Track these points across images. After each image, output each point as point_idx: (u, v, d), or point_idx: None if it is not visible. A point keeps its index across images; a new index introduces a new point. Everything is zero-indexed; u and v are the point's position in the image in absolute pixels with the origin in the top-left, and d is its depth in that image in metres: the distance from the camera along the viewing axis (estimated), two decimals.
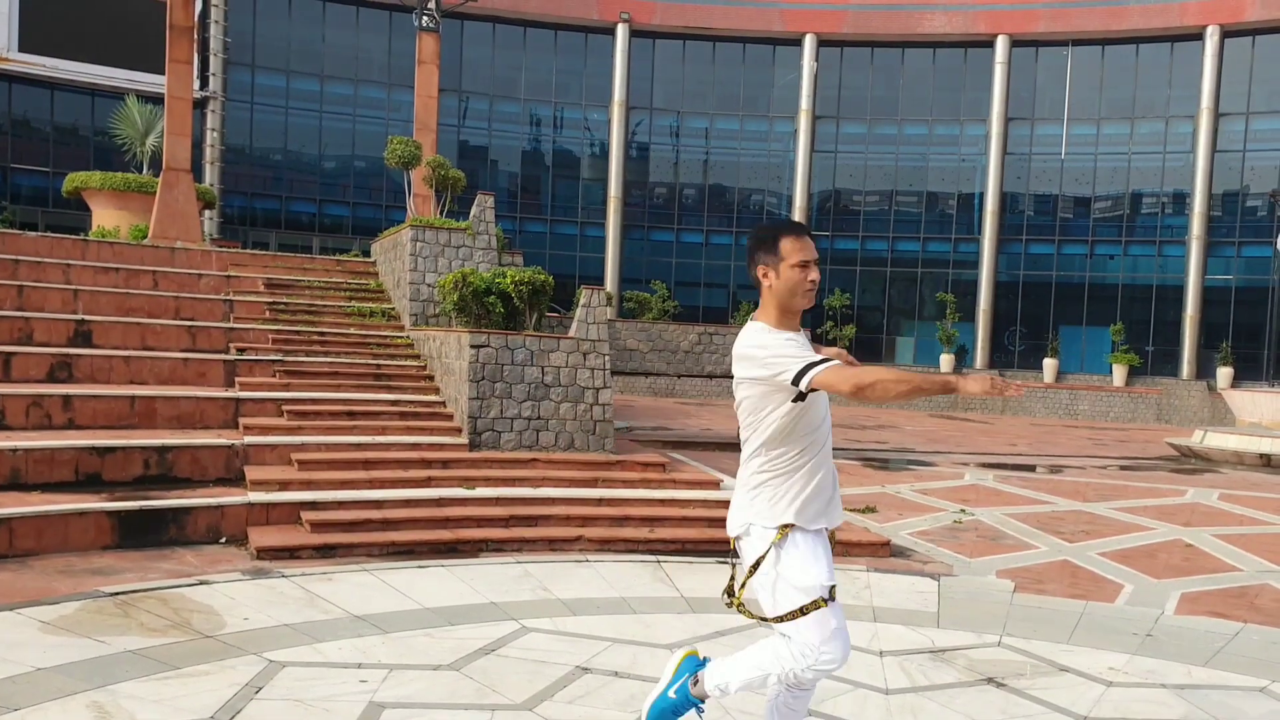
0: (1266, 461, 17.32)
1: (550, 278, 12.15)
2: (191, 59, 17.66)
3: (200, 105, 31.01)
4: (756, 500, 3.43)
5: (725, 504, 9.56)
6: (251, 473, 8.72)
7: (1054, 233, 35.17)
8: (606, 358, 10.93)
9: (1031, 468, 15.45)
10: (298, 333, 12.57)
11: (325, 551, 7.57)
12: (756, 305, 3.50)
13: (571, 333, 10.96)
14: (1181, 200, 33.82)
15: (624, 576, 7.23)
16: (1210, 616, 6.83)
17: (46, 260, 12.82)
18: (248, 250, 17.78)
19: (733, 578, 3.49)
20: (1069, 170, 35.02)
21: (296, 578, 6.70)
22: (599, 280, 34.24)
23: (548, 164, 37.68)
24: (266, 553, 7.40)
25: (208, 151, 32.26)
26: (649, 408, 21.48)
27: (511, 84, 36.37)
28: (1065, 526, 10.13)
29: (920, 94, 35.92)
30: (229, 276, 14.10)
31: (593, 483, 9.73)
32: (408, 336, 13.12)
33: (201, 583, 6.46)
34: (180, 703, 4.44)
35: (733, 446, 15.51)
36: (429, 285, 13.46)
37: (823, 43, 35.50)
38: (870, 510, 10.30)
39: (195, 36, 19.69)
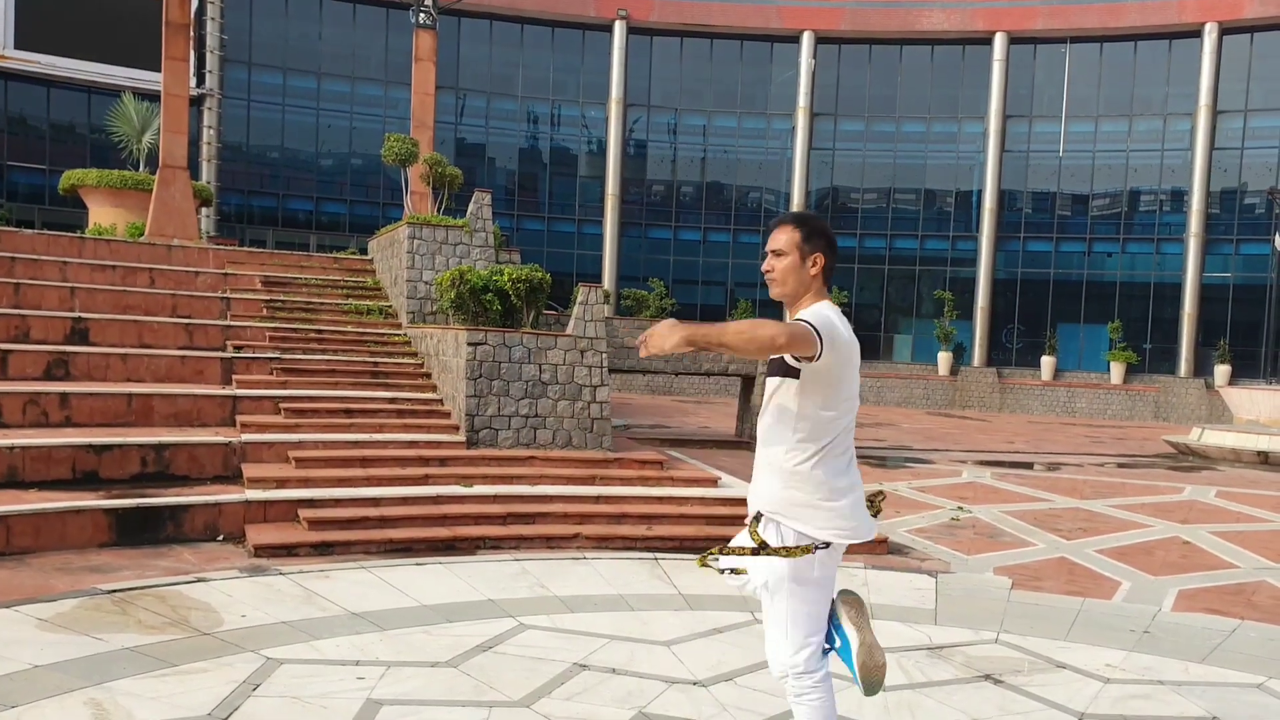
0: (1264, 459, 17.34)
1: (548, 275, 12.14)
2: (188, 56, 17.63)
3: (197, 103, 30.97)
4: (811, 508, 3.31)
5: (723, 502, 9.61)
6: (249, 470, 8.71)
7: (1052, 230, 35.18)
8: (604, 355, 10.93)
9: (1029, 465, 15.46)
10: (295, 330, 12.55)
11: (323, 549, 7.57)
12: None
13: (569, 330, 10.95)
14: (1179, 198, 33.83)
15: (621, 574, 7.23)
16: (1207, 613, 6.84)
17: (43, 258, 12.80)
18: (245, 248, 17.74)
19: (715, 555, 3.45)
20: (1067, 168, 35.02)
21: (294, 575, 6.69)
22: (596, 278, 34.22)
23: (545, 161, 37.64)
24: (264, 550, 7.39)
25: (204, 149, 32.21)
26: (647, 405, 21.49)
27: (509, 81, 36.33)
28: (1063, 524, 10.14)
29: (918, 91, 35.91)
30: (226, 274, 14.08)
31: (590, 480, 9.73)
32: (405, 334, 13.10)
33: (199, 580, 6.46)
34: (178, 700, 4.43)
35: (730, 444, 15.52)
36: (426, 283, 13.44)
37: (821, 40, 35.48)
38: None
39: (192, 34, 19.66)
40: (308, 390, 10.76)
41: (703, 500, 9.44)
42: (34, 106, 32.04)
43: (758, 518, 3.30)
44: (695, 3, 35.52)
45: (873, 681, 3.34)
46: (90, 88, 31.17)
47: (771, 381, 3.25)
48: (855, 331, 3.28)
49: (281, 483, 8.51)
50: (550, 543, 8.24)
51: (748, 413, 16.07)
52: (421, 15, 20.69)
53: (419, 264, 13.48)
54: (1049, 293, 35.00)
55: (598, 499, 9.19)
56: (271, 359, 11.39)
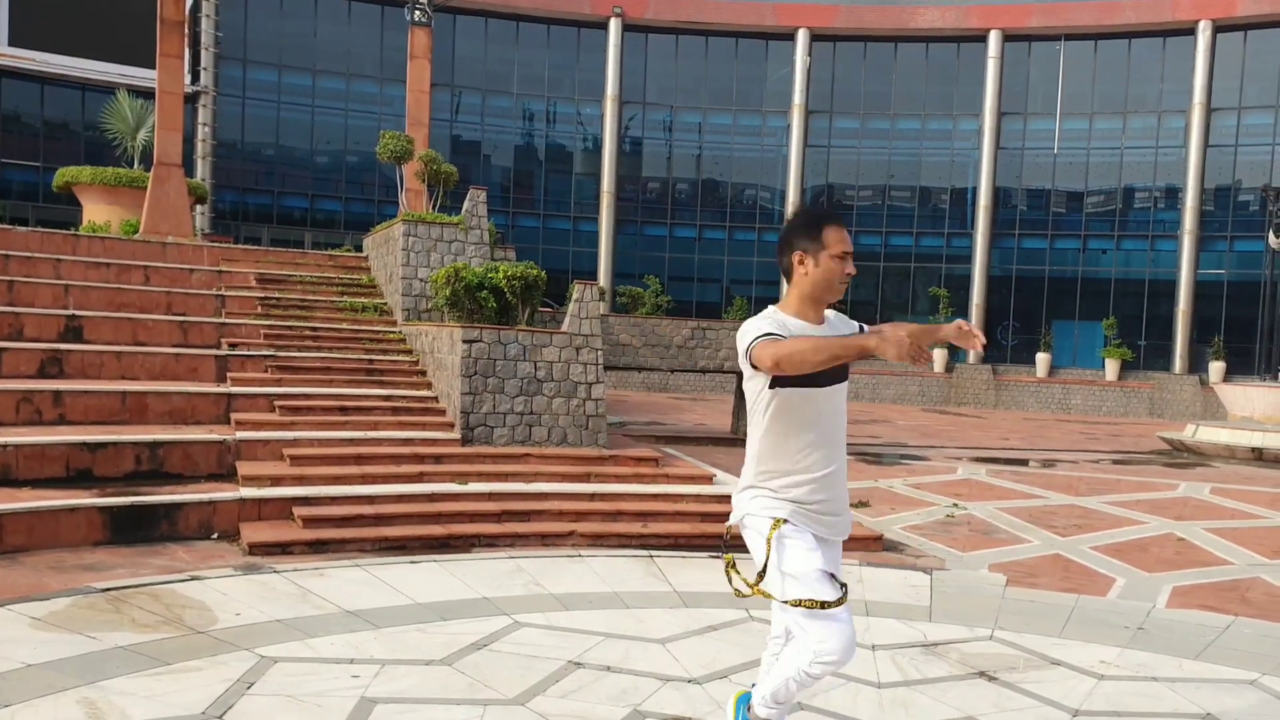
0: (1258, 455, 17.38)
1: (543, 273, 12.13)
2: (183, 53, 17.59)
3: (192, 100, 30.90)
4: (754, 493, 3.40)
5: (718, 499, 9.59)
6: (243, 468, 8.70)
7: (1047, 227, 35.23)
8: (599, 353, 10.92)
9: (1024, 462, 15.48)
10: (290, 328, 12.54)
11: (317, 547, 7.56)
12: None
13: (564, 328, 10.95)
14: (1174, 195, 33.89)
15: (617, 571, 7.23)
16: (1202, 610, 6.85)
17: (37, 255, 12.77)
18: (239, 245, 17.73)
19: (731, 568, 3.42)
20: (1061, 165, 35.07)
21: (289, 573, 6.68)
22: (592, 275, 34.21)
23: (540, 159, 37.62)
24: (259, 548, 7.38)
25: (199, 146, 32.14)
26: (642, 403, 21.48)
27: (504, 79, 36.29)
28: (1057, 520, 10.15)
29: (913, 89, 35.93)
30: (221, 272, 14.05)
31: (585, 478, 9.73)
32: (400, 331, 13.09)
33: (193, 578, 6.45)
34: (172, 699, 4.42)
35: (726, 441, 15.52)
36: (421, 280, 13.43)
37: (815, 37, 35.49)
38: (863, 505, 10.31)
39: (186, 31, 19.59)
40: (302, 388, 10.75)
41: (698, 498, 9.44)
42: (28, 103, 31.97)
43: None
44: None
45: None
46: (85, 85, 31.11)
47: (841, 388, 3.35)
48: None
49: (276, 480, 8.49)
50: (545, 540, 8.24)
51: (743, 409, 16.08)
52: (416, 12, 20.66)
53: (414, 261, 13.46)
54: (1044, 290, 35.06)
55: (593, 496, 9.19)
56: (266, 356, 11.37)
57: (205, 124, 32.42)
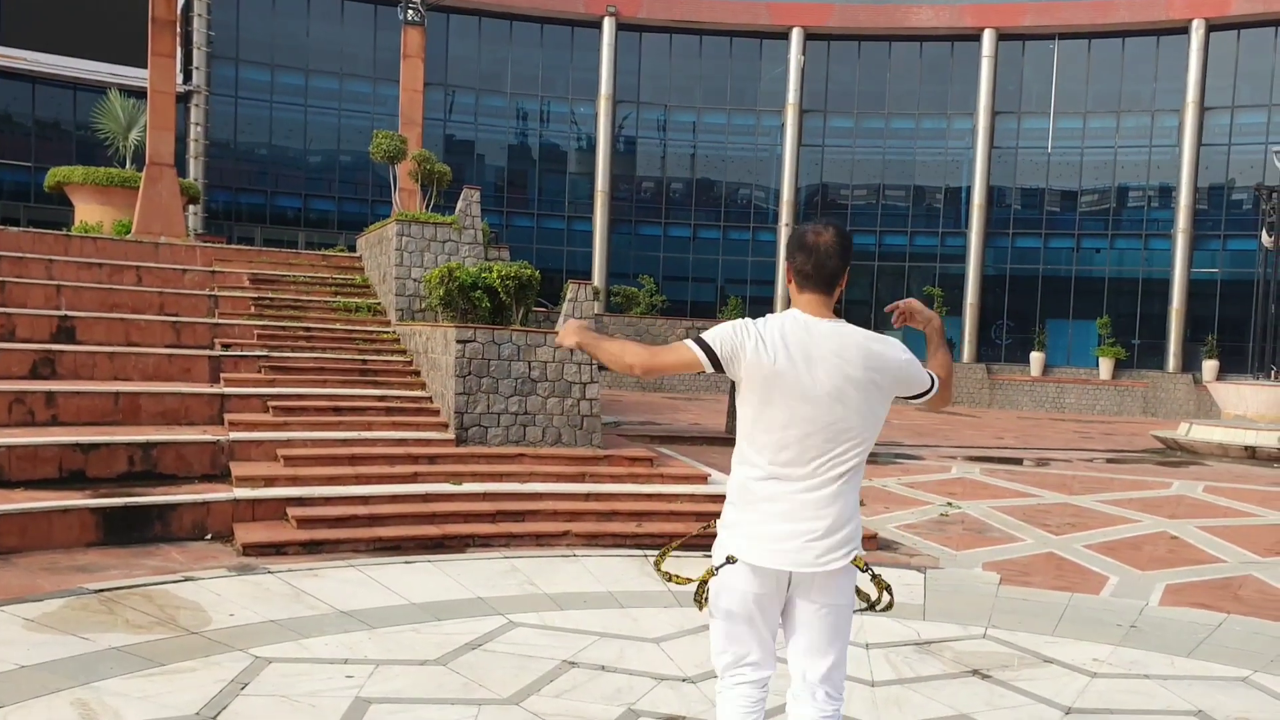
0: (1251, 453, 17.43)
1: (537, 272, 12.13)
2: (174, 52, 17.56)
3: (184, 99, 30.81)
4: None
5: (713, 498, 9.58)
6: (237, 469, 8.69)
7: (1040, 226, 35.30)
8: None
9: (1018, 461, 15.51)
10: (283, 328, 12.52)
11: (311, 547, 7.55)
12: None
13: (558, 327, 10.94)
14: (1167, 194, 33.97)
15: (611, 571, 7.23)
16: (1194, 608, 6.87)
17: (28, 256, 12.73)
18: (232, 245, 17.71)
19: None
20: (1055, 164, 35.13)
21: (283, 574, 6.67)
22: (586, 275, 34.20)
23: (534, 158, 37.60)
24: (252, 549, 7.37)
25: (192, 146, 32.06)
26: (637, 402, 21.48)
27: (498, 78, 36.26)
28: (1051, 519, 10.17)
29: (907, 88, 35.97)
30: (213, 272, 14.02)
31: (580, 478, 9.72)
32: (394, 331, 13.07)
33: (187, 579, 6.44)
34: (165, 699, 4.42)
35: (720, 441, 15.51)
36: (415, 280, 13.41)
37: (809, 36, 35.50)
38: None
39: (178, 30, 19.58)
40: (296, 388, 10.73)
41: (693, 497, 9.44)
42: (19, 103, 31.88)
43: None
44: None
45: None
46: (76, 84, 31.03)
47: None
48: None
49: (270, 481, 8.48)
50: (540, 540, 8.24)
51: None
52: (410, 12, 20.64)
53: (408, 261, 13.44)
54: (1038, 288, 35.12)
55: (587, 496, 9.18)
56: (260, 357, 11.35)
57: (198, 124, 32.34)
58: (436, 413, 10.77)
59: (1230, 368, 30.69)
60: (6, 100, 31.72)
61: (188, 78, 31.59)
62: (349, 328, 13.05)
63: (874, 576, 3.04)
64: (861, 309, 36.25)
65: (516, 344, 10.56)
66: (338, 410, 10.38)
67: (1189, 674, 5.40)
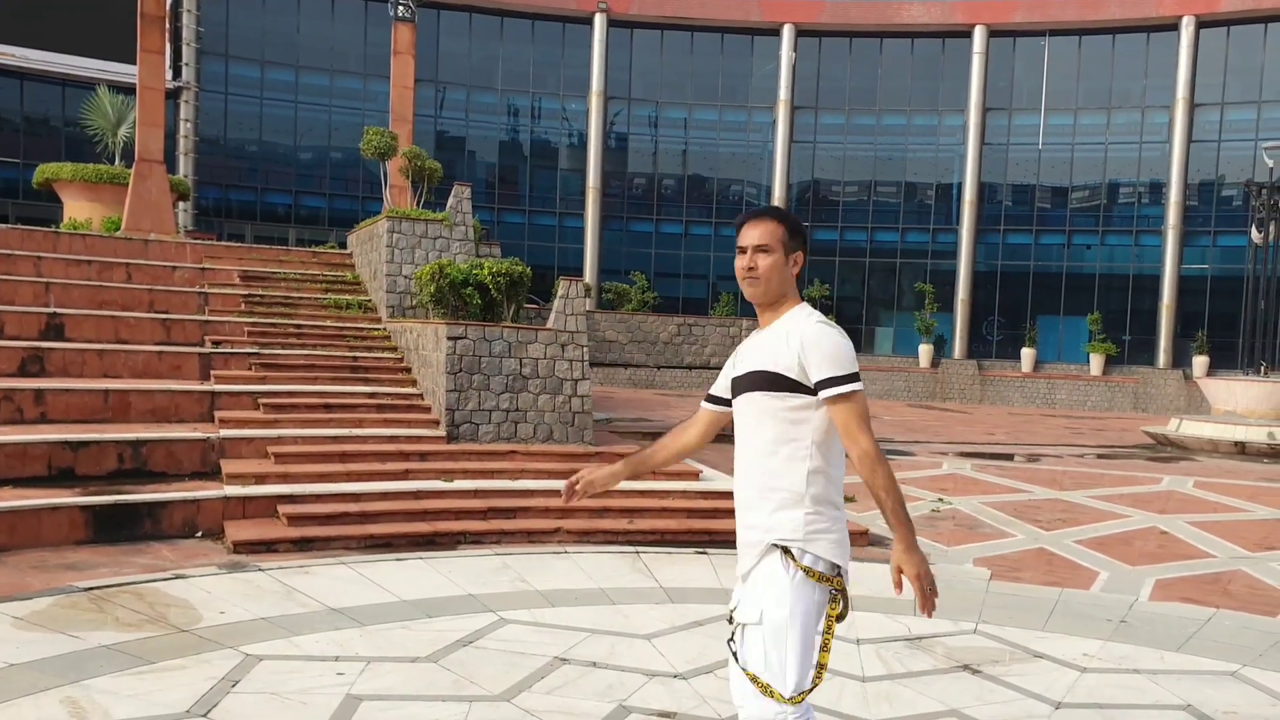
0: (1241, 449, 17.49)
1: (528, 269, 12.11)
2: (164, 49, 17.47)
3: (173, 96, 30.70)
4: None
5: (704, 495, 9.59)
6: (227, 466, 8.66)
7: (1031, 223, 35.35)
8: (585, 349, 10.91)
9: (1009, 457, 15.54)
10: (274, 325, 12.49)
11: (302, 545, 7.53)
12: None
13: (550, 324, 10.93)
14: (1158, 190, 34.05)
15: (602, 567, 7.23)
16: (1184, 603, 6.90)
17: (17, 253, 12.68)
18: (222, 242, 17.65)
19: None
20: (1046, 160, 35.19)
21: (273, 571, 6.66)
22: (578, 271, 34.17)
23: (525, 154, 37.53)
24: (243, 546, 7.35)
25: (181, 143, 31.94)
26: (629, 399, 21.46)
27: (488, 74, 36.18)
28: (1042, 515, 10.20)
29: (898, 84, 35.99)
30: (204, 269, 13.98)
31: (571, 474, 9.70)
32: (384, 328, 13.05)
33: (177, 577, 6.42)
34: (155, 697, 4.40)
35: (714, 438, 15.52)
36: (406, 277, 13.39)
37: (801, 33, 35.50)
38: (849, 500, 10.33)
39: (167, 26, 19.47)
40: (287, 385, 10.71)
41: (684, 494, 9.44)
42: (7, 99, 31.71)
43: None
44: None
45: None
46: (64, 80, 30.87)
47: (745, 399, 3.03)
48: (837, 323, 3.21)
49: (260, 478, 8.46)
50: (531, 537, 8.23)
51: None
52: (400, 8, 20.57)
53: (398, 258, 13.42)
54: (1029, 285, 35.18)
55: None
56: (250, 354, 11.32)
57: (187, 120, 32.22)
58: (428, 410, 10.75)
59: (1220, 363, 30.78)
60: None
61: (177, 74, 31.45)
62: (340, 325, 13.03)
63: None
64: (854, 305, 36.34)
65: (508, 341, 10.55)
66: (328, 407, 10.36)
67: (1178, 668, 5.42)
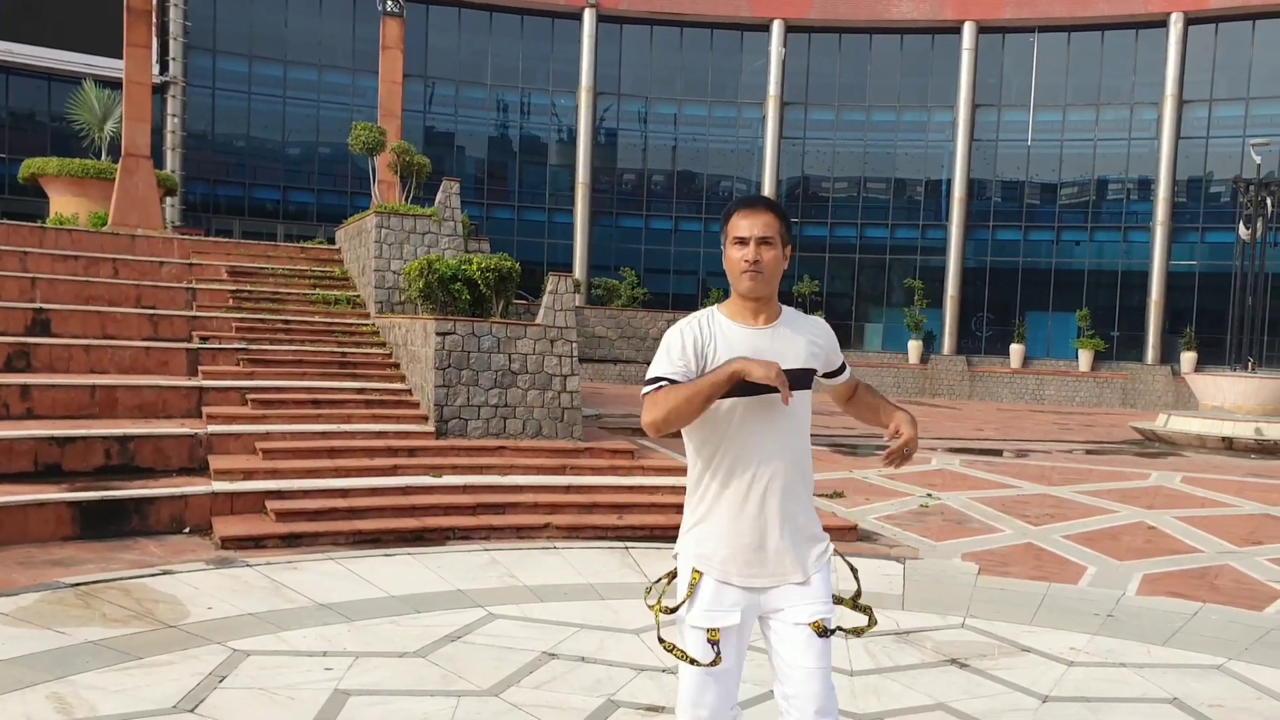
0: (1228, 444, 17.57)
1: (517, 264, 12.10)
2: (150, 43, 17.38)
3: (160, 90, 30.54)
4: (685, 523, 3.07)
5: None
6: (215, 462, 8.63)
7: (1021, 219, 35.44)
8: (574, 345, 10.90)
9: (998, 452, 15.59)
10: (262, 321, 12.44)
11: (290, 540, 7.51)
12: (725, 292, 3.17)
13: (539, 320, 10.92)
14: (1146, 186, 34.17)
15: (592, 563, 7.23)
16: (1171, 597, 6.93)
17: (2, 248, 12.60)
18: (210, 238, 17.58)
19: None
20: (1035, 157, 35.28)
21: (261, 567, 6.64)
22: (567, 267, 34.12)
23: (515, 150, 37.47)
24: (231, 542, 7.33)
25: (169, 137, 31.77)
26: (618, 395, 21.44)
27: (477, 69, 36.10)
28: (1030, 510, 10.23)
29: (888, 80, 36.03)
30: (191, 264, 13.92)
31: (561, 470, 9.72)
32: (373, 324, 13.02)
33: (165, 573, 6.39)
34: (142, 693, 4.39)
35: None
36: (394, 272, 13.35)
37: (790, 29, 35.50)
38: (838, 495, 10.35)
39: (154, 20, 19.38)
40: (275, 381, 10.67)
41: (674, 489, 9.43)
42: None
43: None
44: None
45: None
46: (50, 74, 30.68)
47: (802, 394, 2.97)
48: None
49: (248, 474, 8.43)
50: (520, 533, 8.22)
51: None
52: (388, 3, 20.51)
53: (387, 253, 13.38)
54: (1018, 281, 35.28)
55: (568, 489, 9.17)
56: (238, 350, 11.28)
57: (174, 115, 32.05)
58: (416, 405, 10.73)
59: (1208, 359, 30.93)
60: None
61: (164, 68, 31.27)
62: (328, 320, 12.99)
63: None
64: (843, 301, 36.38)
65: (497, 336, 10.54)
66: (317, 403, 10.33)
67: (1165, 662, 5.44)
